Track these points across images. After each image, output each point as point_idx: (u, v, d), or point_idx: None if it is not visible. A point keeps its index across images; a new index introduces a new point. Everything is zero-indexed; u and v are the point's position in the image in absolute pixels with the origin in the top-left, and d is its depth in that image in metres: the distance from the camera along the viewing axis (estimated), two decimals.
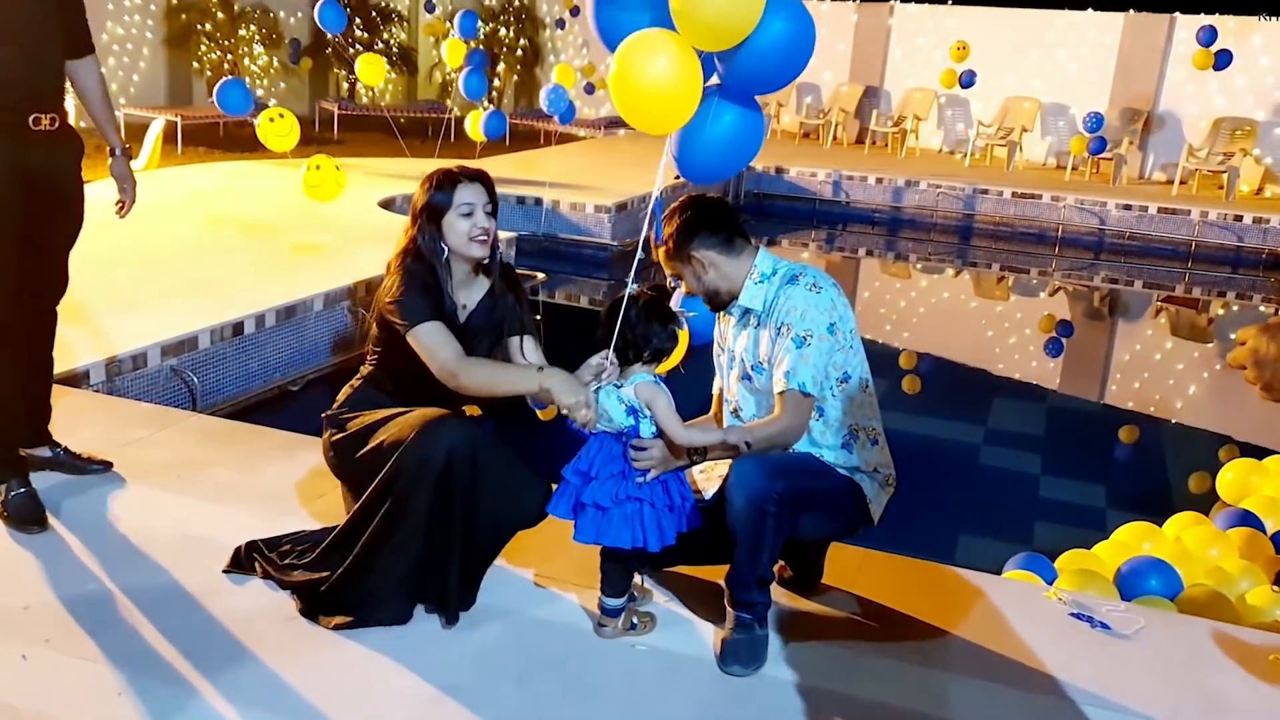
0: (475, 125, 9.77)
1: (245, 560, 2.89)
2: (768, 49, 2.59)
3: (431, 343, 2.65)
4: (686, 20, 2.51)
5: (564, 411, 2.57)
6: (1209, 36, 13.00)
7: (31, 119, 3.04)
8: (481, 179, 2.78)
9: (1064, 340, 8.94)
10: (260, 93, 15.62)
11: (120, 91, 14.41)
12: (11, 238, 3.03)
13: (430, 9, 18.08)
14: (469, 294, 2.84)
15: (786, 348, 2.65)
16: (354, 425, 2.76)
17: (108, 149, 3.47)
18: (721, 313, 2.92)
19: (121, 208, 3.52)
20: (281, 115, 7.37)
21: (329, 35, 16.95)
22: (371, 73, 9.48)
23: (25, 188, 3.04)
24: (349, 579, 2.65)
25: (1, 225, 3.00)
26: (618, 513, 2.54)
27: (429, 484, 2.55)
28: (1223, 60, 12.91)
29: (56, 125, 3.12)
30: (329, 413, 2.86)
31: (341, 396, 2.87)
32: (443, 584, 2.65)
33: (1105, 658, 2.81)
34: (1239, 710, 2.63)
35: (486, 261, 2.83)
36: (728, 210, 2.85)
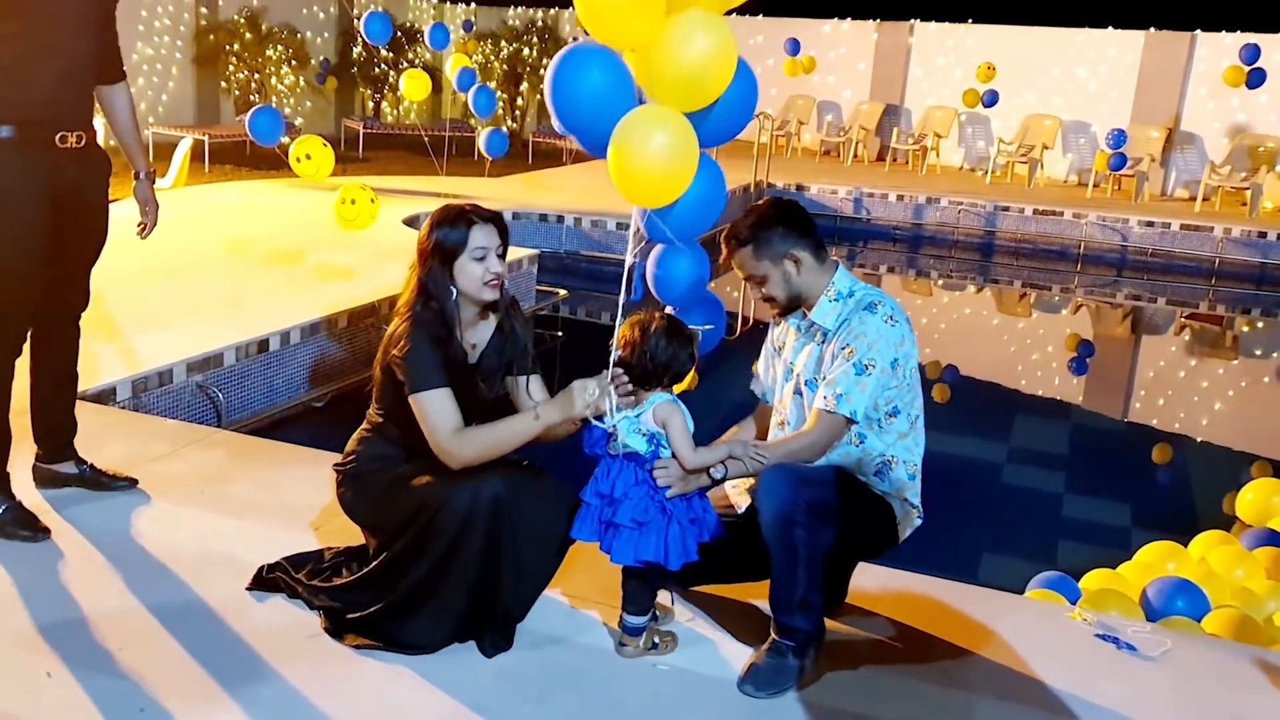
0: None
1: (268, 579, 2.90)
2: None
3: (433, 414, 2.59)
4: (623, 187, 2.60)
5: (588, 417, 2.57)
6: (1252, 54, 12.91)
7: (59, 136, 3.08)
8: (495, 221, 2.71)
9: (1086, 360, 8.88)
10: (288, 111, 15.77)
11: (149, 110, 14.59)
12: (38, 252, 3.07)
13: (468, 28, 18.27)
14: (477, 333, 2.79)
15: (844, 369, 2.63)
16: (371, 479, 2.73)
17: (133, 171, 3.52)
18: (783, 321, 2.92)
19: (143, 229, 3.58)
20: (309, 156, 7.37)
21: (355, 55, 17.19)
22: (416, 88, 9.54)
23: (52, 204, 3.09)
24: (387, 617, 2.64)
25: (28, 240, 3.04)
26: (653, 527, 2.54)
27: (478, 534, 2.55)
28: (1256, 79, 12.82)
29: (84, 143, 3.16)
30: (340, 464, 2.82)
31: (350, 446, 2.83)
32: (485, 628, 2.66)
33: (1131, 679, 2.78)
34: None
35: (492, 302, 2.78)
36: (812, 219, 2.85)
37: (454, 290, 2.67)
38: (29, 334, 3.24)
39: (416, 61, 17.53)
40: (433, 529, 2.58)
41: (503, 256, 2.72)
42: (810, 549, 2.54)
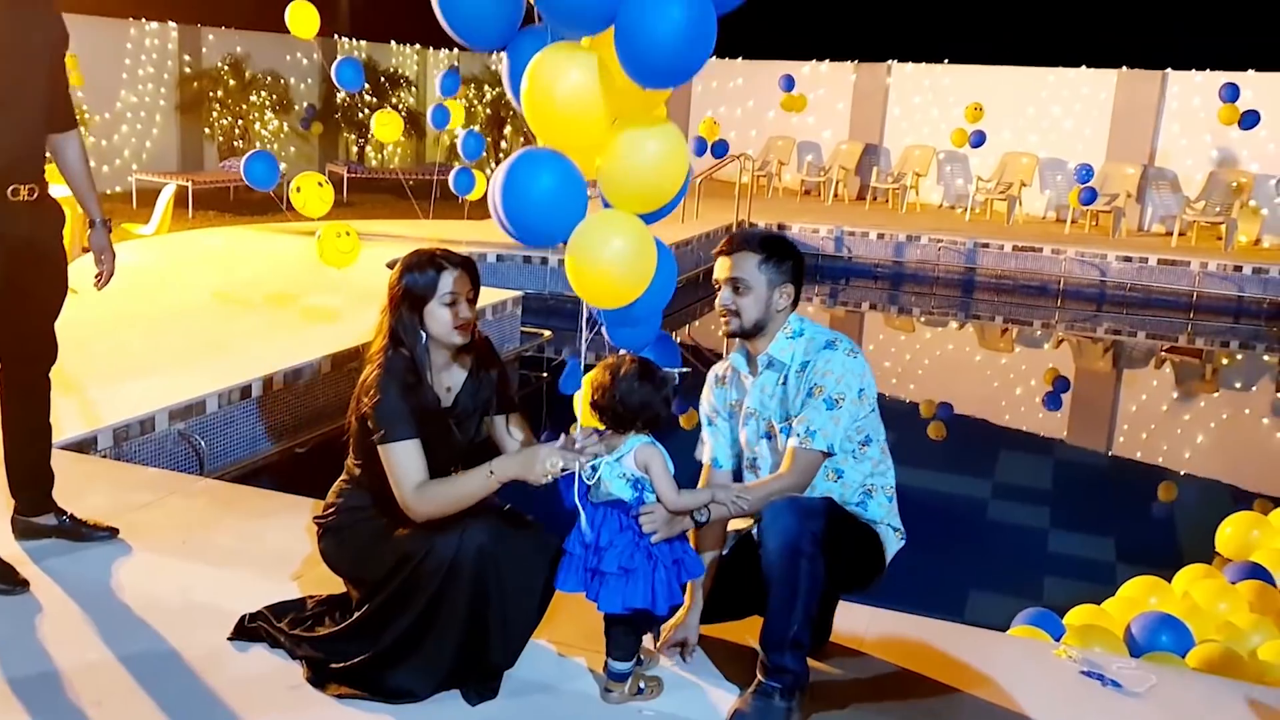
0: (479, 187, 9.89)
1: (250, 628, 2.88)
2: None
3: (400, 466, 2.59)
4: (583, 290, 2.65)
5: (552, 473, 2.54)
6: (1231, 93, 13.15)
7: (10, 189, 3.05)
8: (465, 265, 2.70)
9: (1061, 395, 8.92)
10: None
11: (133, 157, 14.63)
12: None
13: (454, 75, 18.43)
14: (452, 377, 2.78)
15: (815, 407, 2.68)
16: (352, 531, 2.73)
17: (88, 220, 3.43)
18: (737, 372, 2.94)
19: (100, 279, 3.46)
20: (298, 190, 7.40)
21: (339, 100, 17.29)
22: (388, 130, 9.59)
23: (4, 257, 3.05)
24: (372, 666, 2.62)
25: None
26: (640, 574, 2.54)
27: (464, 584, 2.54)
28: (1249, 121, 13.01)
29: (36, 195, 3.13)
30: (320, 517, 2.81)
31: (330, 498, 2.82)
32: (472, 676, 2.65)
33: (1117, 716, 2.78)
34: None
35: (465, 345, 2.77)
36: None
37: (424, 335, 2.67)
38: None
39: (400, 106, 17.65)
40: (417, 580, 2.57)
41: (473, 301, 2.71)
42: (812, 582, 2.55)
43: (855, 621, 3.13)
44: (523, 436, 2.83)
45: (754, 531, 2.87)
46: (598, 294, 2.63)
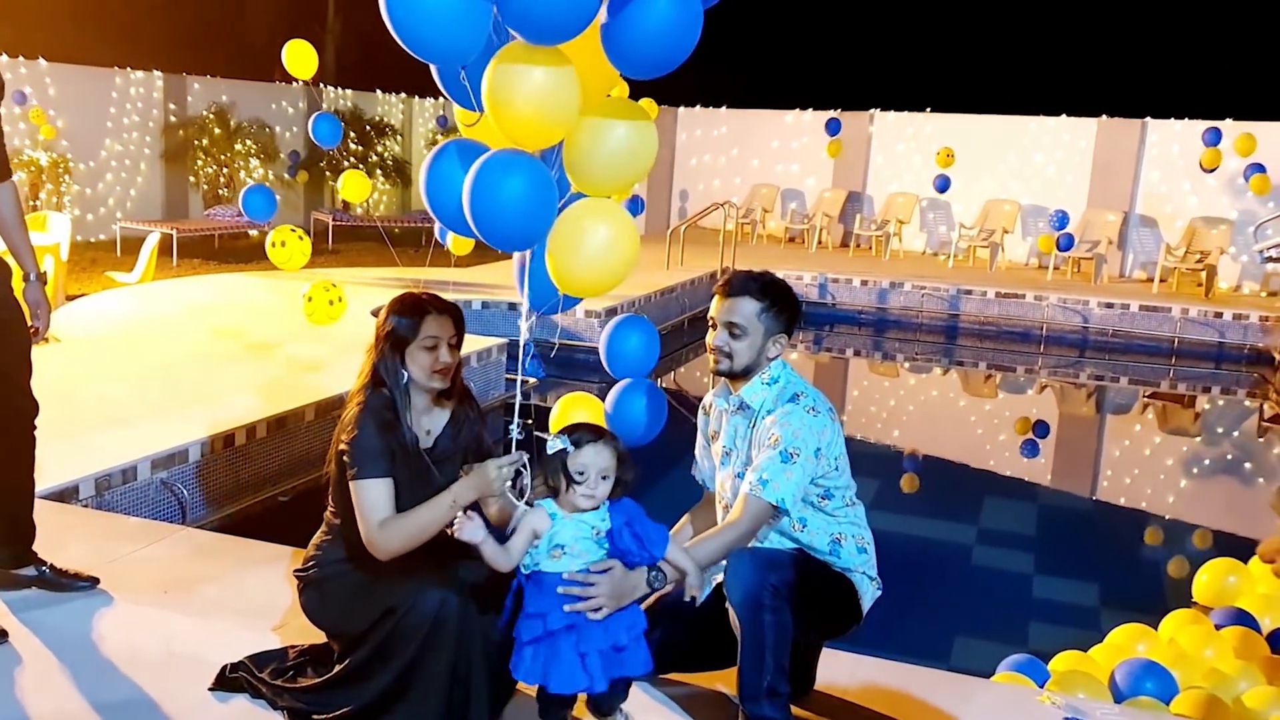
0: (457, 240, 9.81)
1: (231, 678, 2.86)
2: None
3: (368, 502, 2.59)
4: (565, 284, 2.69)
5: (507, 477, 2.53)
6: (1214, 137, 13.40)
7: None
8: (450, 312, 2.73)
9: (1039, 441, 8.95)
10: None
11: (118, 205, 14.66)
12: None
13: (443, 123, 18.65)
14: (433, 420, 2.80)
15: (770, 457, 2.66)
16: (333, 584, 2.72)
17: (22, 274, 3.34)
18: (713, 409, 2.97)
19: (35, 333, 3.35)
20: (283, 244, 7.41)
21: (323, 149, 17.39)
22: (355, 189, 9.52)
23: None
24: (359, 716, 2.60)
25: None
26: (563, 650, 2.38)
27: (449, 638, 2.53)
28: (1254, 170, 13.34)
29: None
30: (300, 570, 2.81)
31: (310, 551, 2.82)
32: None
33: None
34: None
35: (446, 390, 2.79)
36: None
37: (405, 376, 2.69)
38: None
39: (386, 155, 17.76)
40: (399, 634, 2.55)
41: (456, 347, 2.73)
42: (778, 633, 2.55)
43: (838, 669, 3.12)
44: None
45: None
46: (580, 284, 2.66)
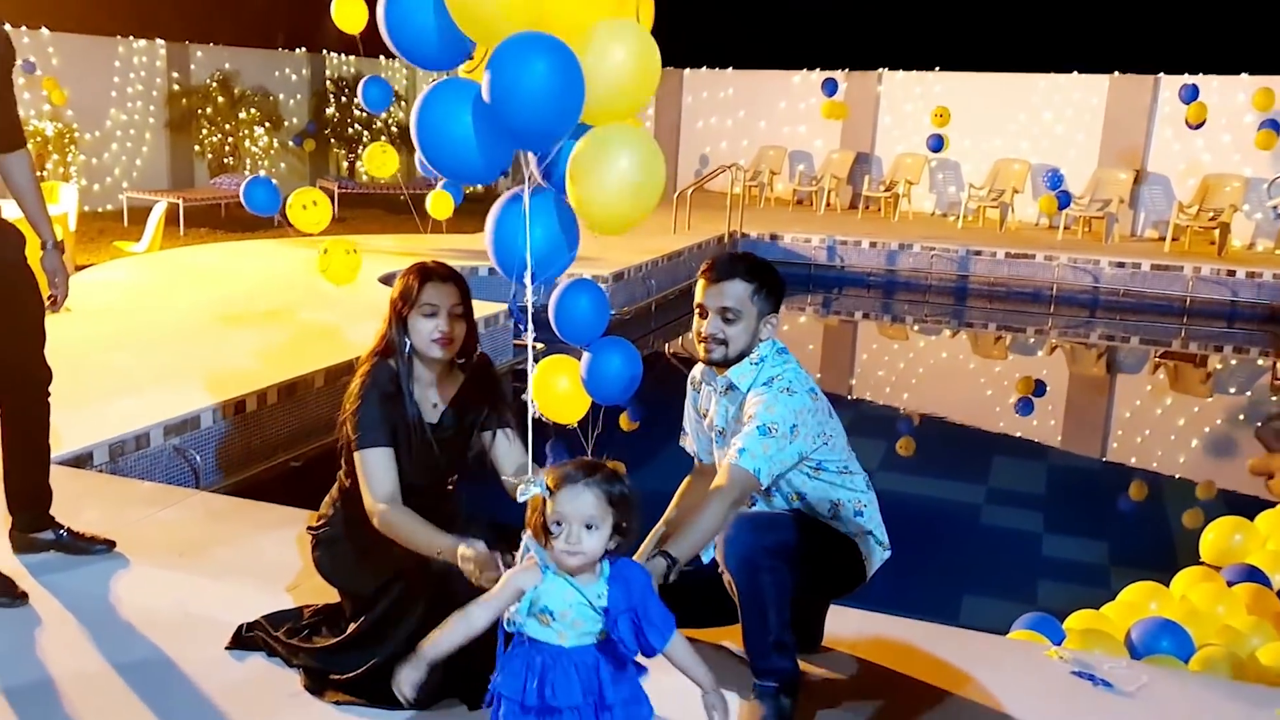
0: (436, 203, 9.71)
1: (247, 637, 2.88)
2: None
3: (372, 472, 2.62)
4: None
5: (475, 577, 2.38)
6: (1190, 94, 13.29)
7: None
8: (453, 279, 2.71)
9: (1034, 400, 8.92)
10: (261, 172, 15.86)
11: (123, 175, 14.65)
12: None
13: None
14: (443, 391, 2.79)
15: (748, 430, 2.63)
16: (344, 544, 2.74)
17: (40, 242, 3.34)
18: (703, 387, 2.96)
19: (53, 302, 3.36)
20: (315, 203, 7.40)
21: (328, 116, 17.32)
22: (383, 165, 9.44)
23: None
24: (371, 677, 2.62)
25: None
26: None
27: (459, 596, 2.53)
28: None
29: None
30: (313, 528, 2.84)
31: (322, 510, 2.84)
32: (472, 684, 2.64)
33: (1108, 716, 2.79)
34: None
35: (462, 363, 2.78)
36: None
37: (408, 344, 2.69)
38: None
39: (390, 122, 17.67)
40: (411, 593, 2.58)
41: (461, 316, 2.71)
42: (777, 592, 2.56)
43: (846, 626, 3.13)
44: (507, 452, 2.84)
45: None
46: (606, 218, 2.41)
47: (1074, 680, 2.95)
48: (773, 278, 2.80)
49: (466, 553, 2.36)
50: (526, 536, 2.00)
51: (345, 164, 17.97)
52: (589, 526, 1.93)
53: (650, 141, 2.40)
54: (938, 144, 14.95)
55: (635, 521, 2.00)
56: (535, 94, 2.13)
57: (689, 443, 3.10)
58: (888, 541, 2.86)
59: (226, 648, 2.88)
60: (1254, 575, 4.27)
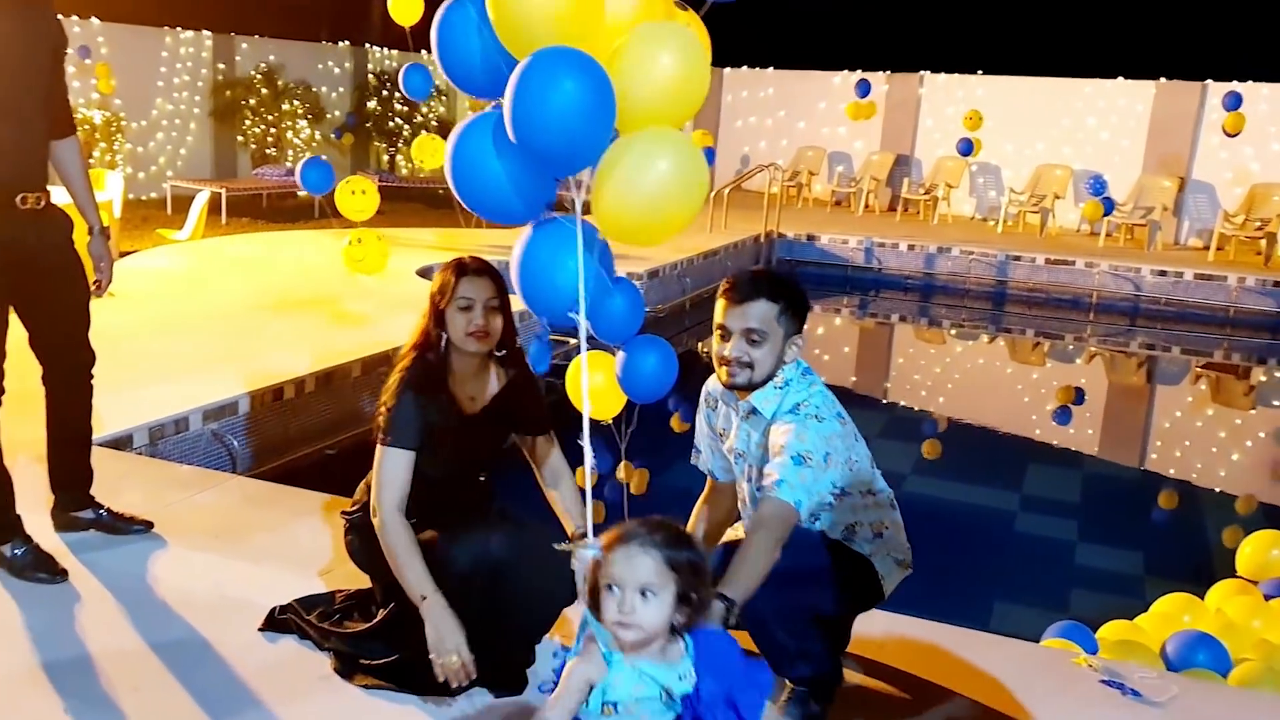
0: None
1: (280, 620, 2.92)
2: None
3: (388, 472, 2.64)
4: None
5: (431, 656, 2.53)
6: (1233, 101, 13.09)
7: (19, 198, 3.04)
8: (488, 273, 2.72)
9: (1072, 409, 8.83)
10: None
11: (168, 164, 14.83)
12: (0, 314, 3.06)
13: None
14: (480, 386, 2.80)
15: (783, 462, 2.51)
16: (373, 533, 2.74)
17: (87, 227, 3.38)
18: (719, 405, 2.84)
19: (99, 287, 3.41)
20: (364, 191, 7.55)
21: (369, 109, 17.44)
22: (432, 155, 9.47)
23: (15, 266, 3.05)
24: (401, 665, 2.66)
25: None
26: None
27: (477, 594, 2.60)
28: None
29: (43, 204, 3.12)
30: (347, 512, 2.87)
31: (358, 494, 2.87)
32: (497, 674, 2.68)
33: None
34: None
35: (501, 355, 2.79)
36: None
37: (445, 338, 2.71)
38: (44, 392, 3.29)
39: (430, 115, 17.77)
40: (436, 584, 2.61)
41: (498, 310, 2.72)
42: (779, 617, 2.52)
43: (872, 626, 3.11)
44: (547, 457, 2.88)
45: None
46: (640, 231, 2.32)
47: (1103, 689, 2.93)
48: (798, 297, 2.65)
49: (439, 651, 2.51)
50: (585, 610, 1.82)
51: (386, 157, 18.09)
52: (644, 593, 1.71)
53: (690, 147, 2.28)
54: (967, 148, 14.75)
55: (706, 591, 1.79)
56: (557, 113, 2.04)
57: (703, 461, 2.97)
58: (910, 560, 2.77)
59: (260, 629, 2.92)
60: None
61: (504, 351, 2.79)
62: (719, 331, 2.64)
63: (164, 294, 7.39)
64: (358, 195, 7.30)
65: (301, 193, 14.79)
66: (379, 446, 2.67)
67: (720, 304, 2.63)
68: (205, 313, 6.92)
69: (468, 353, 2.72)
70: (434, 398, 2.69)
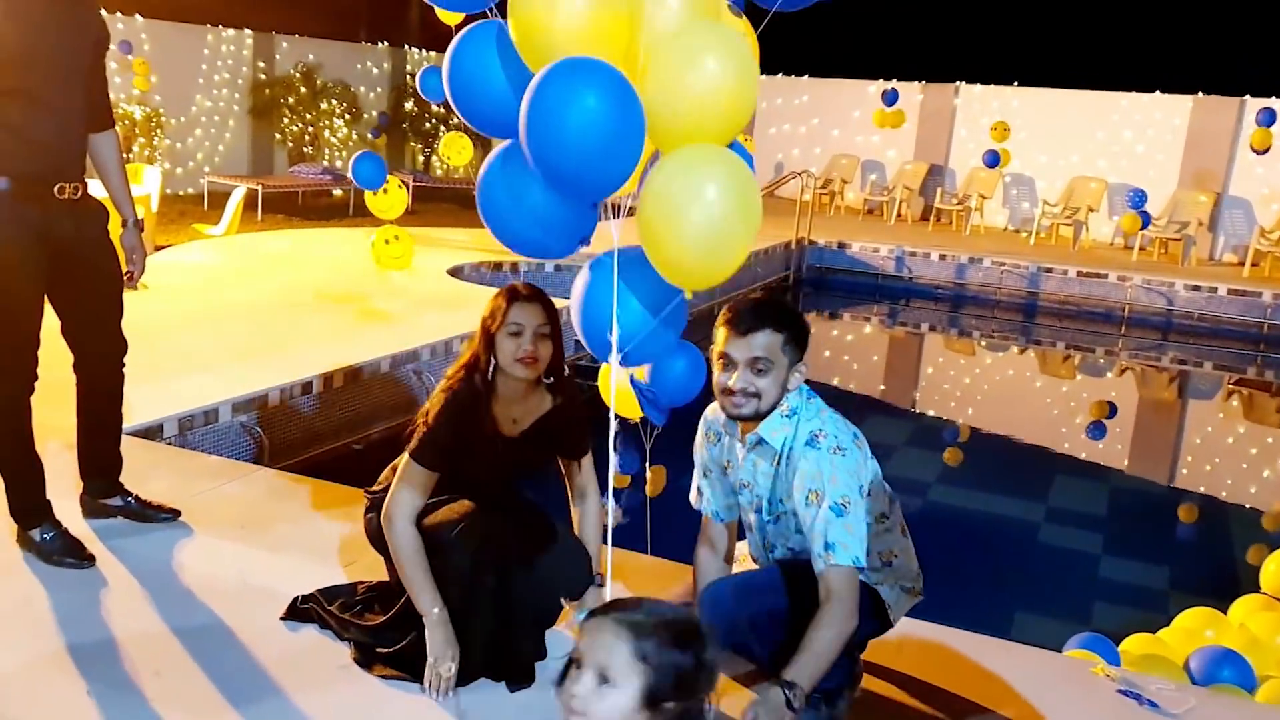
0: None
1: (302, 609, 2.97)
2: None
3: (408, 484, 2.69)
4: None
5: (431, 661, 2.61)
6: (1267, 118, 12.95)
7: (56, 188, 3.10)
8: (539, 300, 2.73)
9: (1106, 424, 8.76)
10: (339, 164, 16.15)
11: (206, 160, 15.02)
12: (35, 302, 3.10)
13: None
14: (525, 410, 2.82)
15: (823, 518, 2.42)
16: None
17: (121, 219, 3.43)
18: (720, 440, 2.77)
19: (130, 278, 3.45)
20: (397, 188, 7.72)
21: (406, 110, 17.58)
22: (460, 154, 9.58)
23: (50, 256, 3.10)
24: (416, 655, 2.69)
25: (23, 290, 3.06)
26: None
27: (485, 589, 2.65)
28: None
29: (80, 195, 3.17)
30: (371, 490, 2.92)
31: (384, 476, 2.91)
32: (510, 666, 2.72)
33: None
34: None
35: (549, 381, 2.80)
36: None
37: (494, 362, 2.73)
38: (75, 381, 3.35)
39: None
40: (445, 575, 2.66)
41: (548, 336, 2.73)
42: (770, 651, 2.51)
43: (890, 630, 3.11)
44: (584, 482, 2.93)
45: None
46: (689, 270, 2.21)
47: (1119, 699, 2.91)
48: (801, 325, 2.59)
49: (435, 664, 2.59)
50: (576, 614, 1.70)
51: (421, 158, 18.23)
52: (604, 680, 1.42)
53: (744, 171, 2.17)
54: (994, 159, 14.66)
55: (694, 706, 1.45)
56: (574, 132, 1.90)
57: (705, 502, 2.84)
58: (920, 586, 2.72)
59: (281, 618, 2.96)
60: None
61: (552, 379, 2.81)
62: (721, 361, 2.56)
63: (198, 287, 7.49)
64: (387, 194, 7.41)
65: (336, 191, 14.99)
66: (407, 454, 2.72)
67: (722, 333, 2.55)
68: (238, 307, 7.01)
69: (515, 377, 2.74)
70: (472, 420, 2.73)
